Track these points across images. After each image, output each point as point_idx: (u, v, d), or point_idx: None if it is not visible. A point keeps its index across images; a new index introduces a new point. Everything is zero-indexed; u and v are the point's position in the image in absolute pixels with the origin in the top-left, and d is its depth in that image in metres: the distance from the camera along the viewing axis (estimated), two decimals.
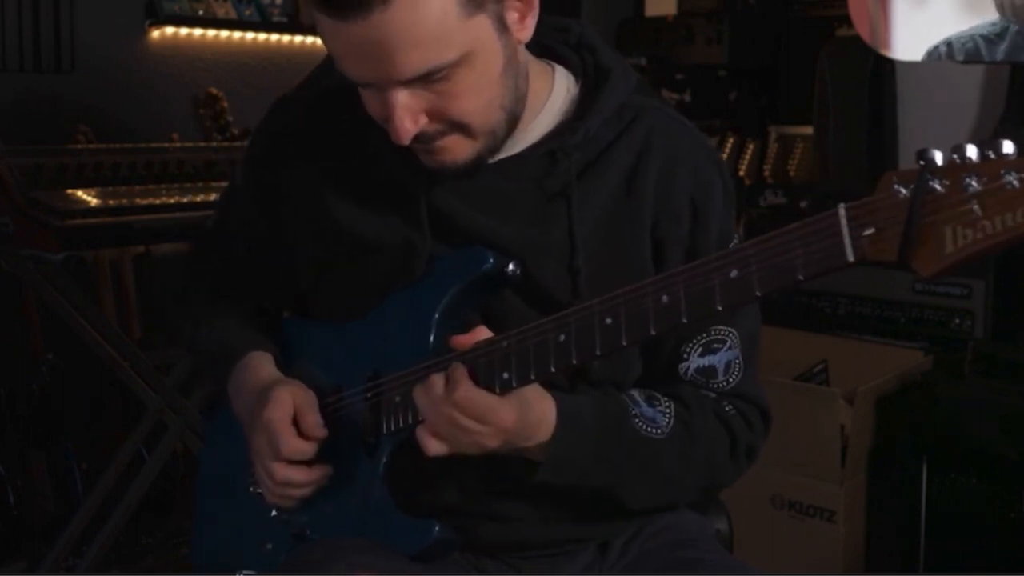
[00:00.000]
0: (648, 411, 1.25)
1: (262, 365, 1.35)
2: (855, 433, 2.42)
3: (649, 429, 1.24)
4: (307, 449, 1.25)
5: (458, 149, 1.19)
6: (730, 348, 1.28)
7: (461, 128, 1.17)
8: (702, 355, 1.27)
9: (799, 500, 2.47)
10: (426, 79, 1.12)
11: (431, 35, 1.09)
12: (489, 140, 1.20)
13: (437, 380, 1.14)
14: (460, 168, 1.21)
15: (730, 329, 1.28)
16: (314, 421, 1.26)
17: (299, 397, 1.27)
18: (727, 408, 1.29)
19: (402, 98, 1.13)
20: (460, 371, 1.13)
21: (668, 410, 1.26)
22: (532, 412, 1.16)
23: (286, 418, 1.25)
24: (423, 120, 1.15)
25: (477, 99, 1.16)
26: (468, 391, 1.12)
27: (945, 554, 2.38)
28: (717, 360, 1.28)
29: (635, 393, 1.27)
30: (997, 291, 2.60)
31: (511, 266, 1.22)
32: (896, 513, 2.44)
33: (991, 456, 2.29)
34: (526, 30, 1.19)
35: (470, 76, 1.14)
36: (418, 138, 1.16)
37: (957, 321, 2.64)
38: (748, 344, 1.30)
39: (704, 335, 1.27)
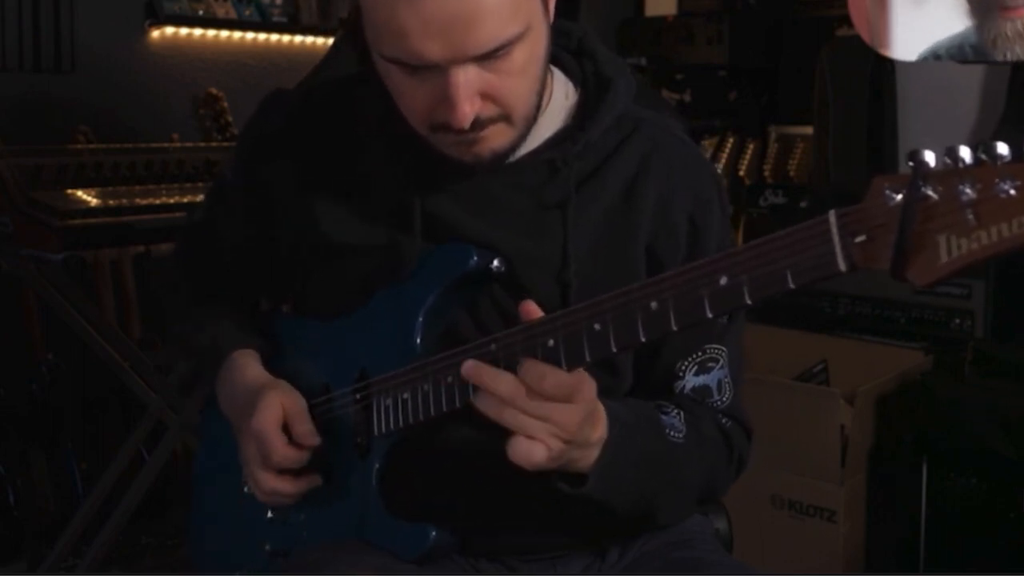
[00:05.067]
0: (665, 417, 1.23)
1: (248, 364, 1.33)
2: (855, 433, 2.42)
3: (673, 434, 1.21)
4: (299, 457, 1.24)
5: (499, 138, 1.18)
6: (721, 367, 1.27)
7: (506, 116, 1.16)
8: (697, 374, 1.26)
9: (799, 500, 2.46)
10: (494, 54, 1.11)
11: (506, 4, 1.09)
12: (523, 129, 1.20)
13: (518, 387, 1.04)
14: (496, 159, 1.19)
15: (721, 347, 1.27)
16: (306, 429, 1.24)
17: (289, 403, 1.25)
18: (723, 420, 1.28)
19: (466, 77, 1.11)
20: (533, 362, 1.05)
21: (679, 415, 1.24)
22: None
23: (276, 426, 1.23)
24: (479, 103, 1.14)
25: (527, 79, 1.16)
26: (556, 376, 1.04)
27: (945, 554, 2.37)
28: (711, 379, 1.27)
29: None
30: (997, 291, 2.60)
31: (495, 263, 1.20)
32: (896, 513, 2.44)
33: (991, 456, 2.29)
34: (551, 13, 1.20)
35: (525, 52, 1.13)
36: (472, 125, 1.15)
37: (957, 321, 2.64)
38: (735, 363, 1.29)
39: (699, 353, 1.26)
